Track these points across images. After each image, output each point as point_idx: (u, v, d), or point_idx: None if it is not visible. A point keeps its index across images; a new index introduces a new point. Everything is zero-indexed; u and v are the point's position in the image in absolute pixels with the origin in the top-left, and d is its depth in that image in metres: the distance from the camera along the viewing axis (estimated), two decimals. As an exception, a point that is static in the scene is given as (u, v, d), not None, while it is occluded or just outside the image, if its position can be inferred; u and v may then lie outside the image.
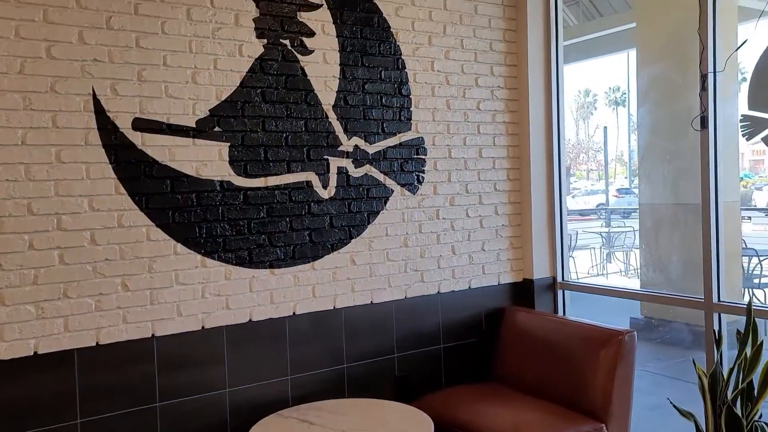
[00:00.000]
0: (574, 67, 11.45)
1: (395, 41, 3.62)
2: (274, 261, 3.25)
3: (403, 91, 3.66)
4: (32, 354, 2.67)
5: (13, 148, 2.61)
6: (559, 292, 4.19)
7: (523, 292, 4.13)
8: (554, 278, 4.19)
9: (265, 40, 3.20)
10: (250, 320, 3.18)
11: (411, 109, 3.69)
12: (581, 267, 10.36)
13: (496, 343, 3.90)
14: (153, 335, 2.93)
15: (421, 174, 3.74)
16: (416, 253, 3.73)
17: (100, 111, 2.78)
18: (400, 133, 3.65)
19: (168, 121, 2.95)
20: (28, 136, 2.64)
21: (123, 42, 2.83)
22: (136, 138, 2.87)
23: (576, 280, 4.22)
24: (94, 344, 2.80)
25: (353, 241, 3.50)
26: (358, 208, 3.51)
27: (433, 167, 3.78)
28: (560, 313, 4.19)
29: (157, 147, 2.92)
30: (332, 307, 3.43)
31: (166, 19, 2.93)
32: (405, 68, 3.66)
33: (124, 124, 2.84)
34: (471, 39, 3.92)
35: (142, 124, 2.88)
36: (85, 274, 2.77)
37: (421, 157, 3.74)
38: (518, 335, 3.81)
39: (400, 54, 3.64)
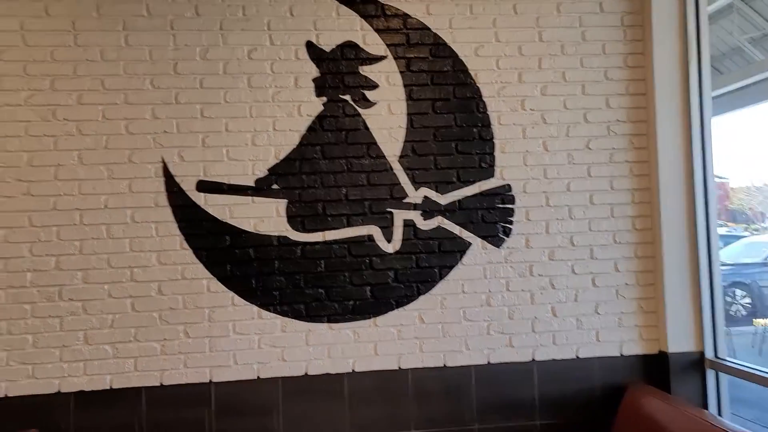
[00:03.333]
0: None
1: (474, 83, 3.36)
2: (332, 315, 3.23)
3: (483, 135, 3.36)
4: (108, 388, 3.09)
5: (98, 211, 3.11)
6: (710, 374, 3.31)
7: (656, 368, 3.37)
8: (702, 354, 3.33)
9: (325, 98, 3.27)
10: (306, 374, 3.20)
11: (494, 154, 3.36)
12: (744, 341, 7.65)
13: (611, 430, 3.23)
14: (210, 380, 3.14)
15: (507, 225, 3.35)
16: (502, 314, 3.33)
17: (168, 176, 3.15)
18: (480, 180, 3.35)
19: (228, 182, 3.19)
20: (109, 200, 3.12)
21: (189, 114, 3.18)
22: (199, 198, 3.17)
23: (738, 362, 3.25)
24: (159, 384, 3.11)
25: (421, 297, 3.28)
26: (427, 262, 3.30)
27: (524, 217, 3.37)
28: (711, 405, 3.29)
29: (218, 206, 3.18)
30: (397, 367, 3.25)
31: (228, 89, 3.21)
32: (486, 110, 3.36)
33: (189, 186, 3.17)
34: (576, 70, 3.43)
35: (205, 186, 3.17)
36: (152, 320, 3.12)
37: (507, 206, 3.36)
38: (643, 425, 3.04)
39: (480, 95, 3.36)
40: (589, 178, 3.42)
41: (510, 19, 3.41)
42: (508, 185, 3.37)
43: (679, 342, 3.34)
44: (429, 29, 3.36)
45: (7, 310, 3.04)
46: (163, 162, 3.16)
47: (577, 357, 3.36)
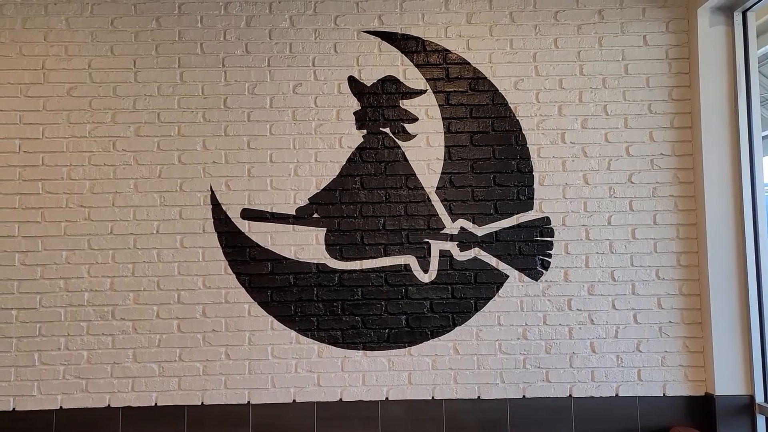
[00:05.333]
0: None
1: (513, 115, 3.39)
2: (368, 343, 3.29)
3: (522, 167, 3.37)
4: (153, 405, 3.24)
5: (150, 236, 3.30)
6: (760, 420, 3.16)
7: (701, 411, 3.24)
8: (752, 398, 3.19)
9: (365, 131, 3.38)
10: (340, 399, 3.26)
11: (533, 186, 3.37)
12: None
13: (652, 471, 3.13)
14: (249, 402, 3.25)
15: (545, 258, 3.34)
16: (539, 348, 3.30)
17: (215, 204, 3.32)
18: (518, 213, 3.35)
19: (271, 210, 3.33)
20: (161, 226, 3.31)
21: (237, 145, 3.35)
22: (244, 225, 3.32)
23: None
24: (200, 403, 3.24)
25: (457, 328, 3.30)
26: (463, 293, 3.31)
27: (563, 251, 3.34)
28: (761, 447, 3.14)
29: (260, 233, 3.32)
30: (430, 397, 3.27)
31: (273, 122, 3.37)
32: (526, 143, 3.38)
33: (234, 214, 3.32)
34: (618, 103, 3.41)
35: (249, 214, 3.32)
36: (196, 341, 3.27)
37: (546, 239, 3.35)
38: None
39: (520, 128, 3.39)
40: (631, 212, 3.36)
41: (550, 53, 3.43)
42: (547, 218, 3.36)
43: (727, 384, 3.21)
44: (469, 63, 3.42)
45: (65, 326, 3.26)
46: (211, 191, 3.33)
47: (617, 395, 3.28)
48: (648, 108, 3.41)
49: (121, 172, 3.33)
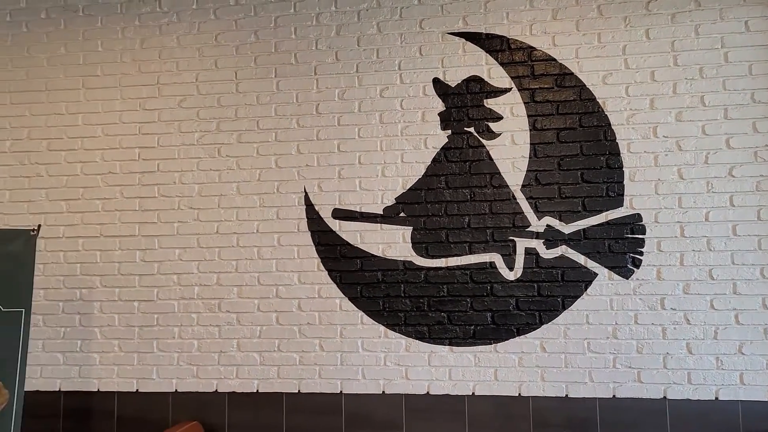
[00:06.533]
0: None
1: (602, 110, 3.33)
2: (453, 339, 3.36)
3: (611, 163, 3.30)
4: (255, 391, 3.50)
5: (251, 235, 3.57)
6: None
7: (813, 418, 3.04)
8: None
9: (450, 131, 3.45)
10: (428, 393, 3.36)
11: (623, 182, 3.29)
12: None
13: (755, 480, 2.98)
14: (341, 392, 3.43)
15: (636, 256, 3.25)
16: (630, 347, 3.22)
17: (309, 204, 3.53)
18: (607, 210, 3.29)
19: (360, 210, 3.49)
20: (260, 226, 3.56)
21: (328, 149, 3.54)
22: (335, 225, 3.50)
23: None
24: (297, 391, 3.46)
25: (543, 326, 3.30)
26: (549, 291, 3.30)
27: (655, 248, 3.24)
28: None
29: (350, 232, 3.48)
30: (517, 394, 3.29)
31: (362, 125, 3.52)
32: (615, 138, 3.31)
33: (325, 214, 3.51)
34: (717, 93, 3.25)
35: (339, 213, 3.50)
36: (292, 333, 3.49)
37: (637, 236, 3.26)
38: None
39: (608, 124, 3.32)
40: (731, 207, 3.20)
41: (641, 45, 3.33)
42: (638, 214, 3.27)
43: (842, 392, 2.98)
44: (554, 60, 3.40)
45: (179, 317, 3.60)
46: (305, 192, 3.54)
47: (717, 399, 3.13)
48: (751, 97, 3.23)
49: (225, 176, 3.61)
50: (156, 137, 3.69)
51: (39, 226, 3.31)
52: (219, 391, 3.53)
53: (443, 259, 3.41)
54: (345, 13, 3.61)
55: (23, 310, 3.14)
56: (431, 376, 3.37)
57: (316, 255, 3.51)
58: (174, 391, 3.56)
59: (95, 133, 3.73)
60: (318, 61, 3.60)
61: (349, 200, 3.51)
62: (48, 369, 3.65)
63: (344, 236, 3.50)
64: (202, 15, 3.72)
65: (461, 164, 3.43)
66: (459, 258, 3.40)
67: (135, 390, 3.59)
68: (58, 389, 3.62)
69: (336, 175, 3.53)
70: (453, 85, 3.45)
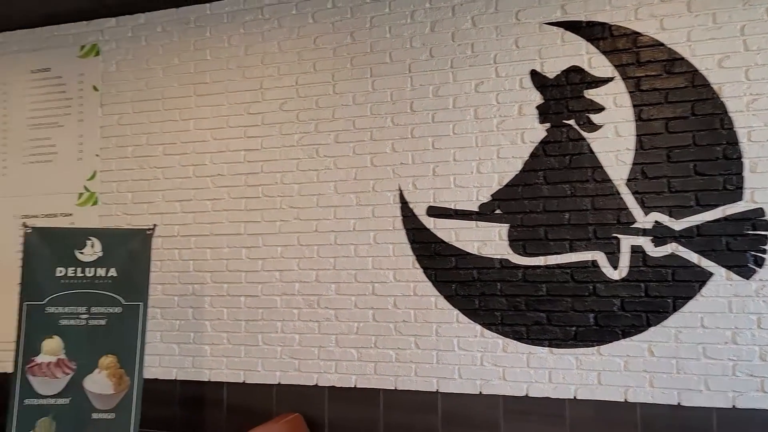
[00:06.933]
0: None
1: (717, 97, 3.07)
2: (553, 340, 3.24)
3: (729, 154, 3.04)
4: (353, 386, 3.56)
5: (348, 233, 3.63)
6: None
7: None
8: None
9: (548, 124, 3.32)
10: (526, 395, 3.26)
11: (743, 174, 3.02)
12: None
13: None
14: (437, 390, 3.41)
15: (759, 255, 2.96)
16: (752, 354, 2.95)
17: (404, 202, 3.53)
18: (724, 204, 3.03)
19: (455, 207, 3.44)
20: (357, 224, 3.62)
21: (422, 146, 3.53)
22: (429, 222, 3.48)
23: None
24: (393, 388, 3.49)
25: (651, 329, 3.09)
26: (658, 292, 3.09)
27: (781, 246, 2.94)
28: None
29: (445, 229, 3.45)
30: (623, 400, 3.11)
31: (456, 122, 3.48)
32: (733, 126, 3.04)
33: (420, 211, 3.50)
34: None
35: (434, 211, 3.48)
36: (388, 330, 3.52)
37: (760, 233, 2.97)
38: None
39: (725, 111, 3.05)
40: None
41: (763, 24, 3.04)
42: (761, 209, 2.98)
43: None
44: (663, 45, 3.17)
45: (281, 312, 3.73)
46: (400, 190, 3.55)
47: None
48: None
49: (323, 176, 3.71)
50: (260, 140, 3.86)
51: (155, 225, 3.57)
52: (319, 385, 3.62)
53: (542, 257, 3.29)
54: (439, 9, 3.58)
55: (141, 303, 3.39)
56: (530, 378, 3.26)
57: (411, 253, 3.51)
58: (278, 383, 3.70)
59: (205, 138, 3.96)
60: (412, 59, 3.60)
61: (444, 197, 3.48)
62: (165, 359, 3.92)
63: (439, 234, 3.47)
64: (301, 20, 3.83)
65: (561, 158, 3.29)
66: (558, 256, 3.26)
67: (242, 381, 3.77)
68: (174, 378, 3.88)
69: (430, 172, 3.51)
70: (551, 77, 3.33)
